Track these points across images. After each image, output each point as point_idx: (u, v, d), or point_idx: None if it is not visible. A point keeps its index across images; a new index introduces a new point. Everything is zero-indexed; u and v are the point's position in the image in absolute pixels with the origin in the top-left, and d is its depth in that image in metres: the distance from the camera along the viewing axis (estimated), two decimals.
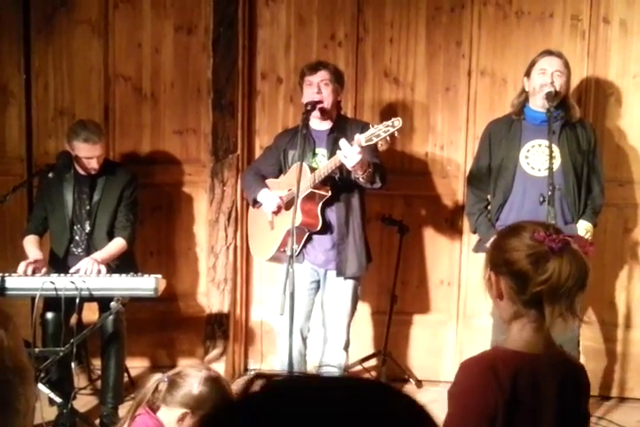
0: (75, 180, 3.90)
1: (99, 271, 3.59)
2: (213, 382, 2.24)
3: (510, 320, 1.79)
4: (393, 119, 3.28)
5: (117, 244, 3.87)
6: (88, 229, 3.91)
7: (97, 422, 3.77)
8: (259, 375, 0.74)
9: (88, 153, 3.79)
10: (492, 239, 1.90)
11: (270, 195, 3.75)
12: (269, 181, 3.85)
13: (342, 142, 3.32)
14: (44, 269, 3.67)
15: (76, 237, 3.93)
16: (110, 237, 3.90)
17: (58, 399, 3.48)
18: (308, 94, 3.68)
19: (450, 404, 1.75)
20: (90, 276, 3.56)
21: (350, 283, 3.70)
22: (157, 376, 2.27)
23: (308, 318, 3.78)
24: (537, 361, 1.75)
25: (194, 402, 2.21)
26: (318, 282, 3.77)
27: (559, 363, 1.79)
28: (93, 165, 3.82)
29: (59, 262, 3.89)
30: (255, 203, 3.87)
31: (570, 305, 1.72)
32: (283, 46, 4.43)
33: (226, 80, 4.34)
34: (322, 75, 3.67)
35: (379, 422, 0.70)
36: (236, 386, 2.15)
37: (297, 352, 3.67)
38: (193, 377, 2.22)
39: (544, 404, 1.77)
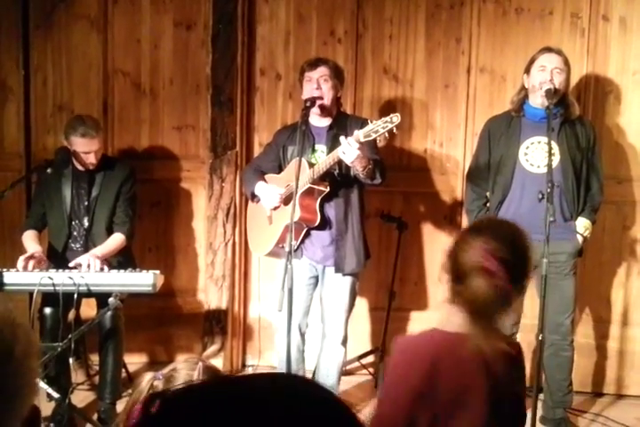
0: (73, 175, 3.89)
1: (101, 269, 3.56)
2: (213, 372, 2.23)
3: (447, 301, 1.90)
4: (391, 115, 3.27)
5: (116, 239, 3.86)
6: (87, 224, 3.90)
7: (95, 417, 3.78)
8: (154, 395, 0.75)
9: (85, 148, 3.78)
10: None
11: (269, 190, 3.74)
12: (269, 177, 3.84)
13: (342, 139, 3.33)
14: (43, 262, 3.65)
15: (75, 233, 3.92)
16: (109, 232, 3.89)
17: (55, 395, 3.47)
18: (308, 90, 3.68)
19: (386, 379, 1.91)
20: (91, 270, 3.53)
21: (348, 279, 3.69)
22: (150, 375, 2.24)
23: (306, 314, 3.77)
24: (468, 341, 1.84)
25: None
26: (316, 278, 3.76)
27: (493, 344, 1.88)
28: (91, 159, 3.82)
29: (57, 258, 3.88)
30: (254, 197, 3.87)
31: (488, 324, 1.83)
32: (282, 43, 4.42)
33: (225, 76, 4.33)
34: (321, 71, 3.67)
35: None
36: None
37: (295, 348, 3.66)
38: (190, 369, 2.21)
39: (476, 382, 1.85)
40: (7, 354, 0.85)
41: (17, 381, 0.87)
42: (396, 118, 3.25)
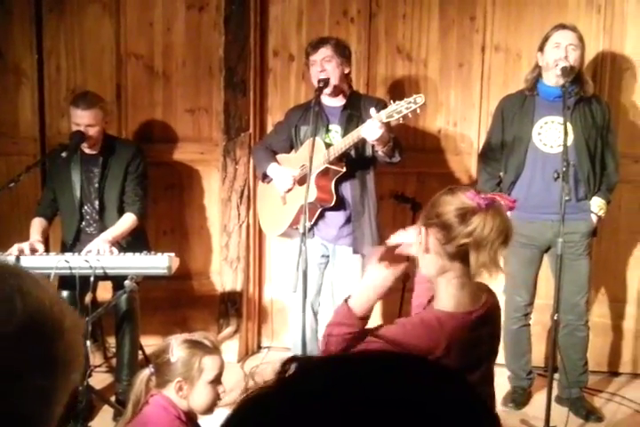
0: (81, 159, 3.89)
1: (111, 252, 3.58)
2: (185, 343, 2.32)
3: (436, 276, 1.91)
4: (415, 96, 3.24)
5: (127, 220, 3.85)
6: (98, 207, 3.90)
7: (113, 399, 3.82)
8: (293, 359, 0.71)
9: (77, 119, 3.77)
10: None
11: (283, 171, 3.73)
12: (280, 157, 3.84)
13: (372, 112, 3.31)
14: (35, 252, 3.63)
15: (87, 217, 3.92)
16: (121, 213, 3.88)
17: None
18: (314, 74, 3.68)
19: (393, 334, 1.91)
20: (102, 255, 3.55)
21: (360, 258, 3.70)
22: (143, 373, 2.35)
23: (318, 293, 3.78)
24: (469, 320, 1.88)
25: (179, 369, 2.30)
26: (328, 257, 3.77)
27: (486, 315, 1.93)
28: (86, 131, 3.77)
29: (71, 242, 3.90)
30: (264, 177, 3.86)
31: (493, 257, 1.83)
32: (294, 23, 4.39)
33: (237, 58, 4.31)
34: (322, 52, 3.65)
35: (424, 410, 0.65)
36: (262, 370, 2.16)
37: (308, 328, 3.67)
38: (166, 352, 2.31)
39: (480, 358, 1.93)
40: (59, 329, 0.88)
41: (67, 355, 0.89)
42: (420, 99, 3.22)
